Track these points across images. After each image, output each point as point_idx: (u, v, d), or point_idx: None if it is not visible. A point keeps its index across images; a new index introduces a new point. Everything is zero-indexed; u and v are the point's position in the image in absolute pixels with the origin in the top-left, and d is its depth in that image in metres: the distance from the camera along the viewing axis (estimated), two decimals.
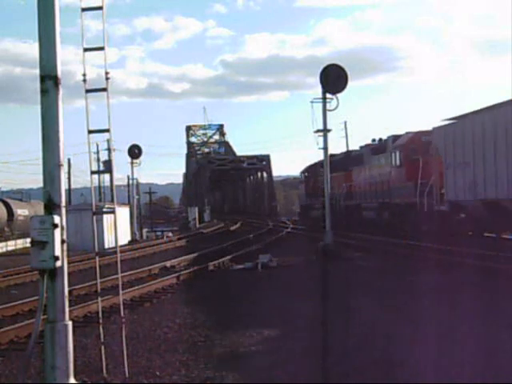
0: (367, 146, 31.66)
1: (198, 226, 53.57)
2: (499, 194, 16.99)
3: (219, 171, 72.59)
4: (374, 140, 31.18)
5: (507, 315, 8.83)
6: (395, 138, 27.11)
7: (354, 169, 32.01)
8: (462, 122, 19.62)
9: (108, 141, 31.05)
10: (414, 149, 24.28)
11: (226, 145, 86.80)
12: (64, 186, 5.07)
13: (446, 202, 20.44)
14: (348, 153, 35.35)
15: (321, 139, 21.16)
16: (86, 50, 5.90)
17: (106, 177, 58.65)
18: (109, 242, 29.40)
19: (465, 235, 19.33)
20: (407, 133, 26.16)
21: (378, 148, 29.11)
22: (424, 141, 23.46)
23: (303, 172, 43.74)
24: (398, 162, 25.52)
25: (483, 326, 8.30)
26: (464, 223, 19.91)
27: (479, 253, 15.37)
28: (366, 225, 29.10)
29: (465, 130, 19.06)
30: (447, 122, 20.90)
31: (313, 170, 40.01)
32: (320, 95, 20.53)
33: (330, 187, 25.15)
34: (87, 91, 6.03)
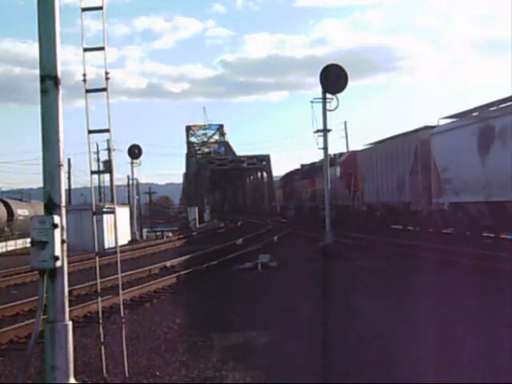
0: (333, 157, 36.60)
1: (198, 226, 53.58)
2: (389, 198, 26.77)
3: (219, 171, 72.63)
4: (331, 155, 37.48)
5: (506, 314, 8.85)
6: (340, 155, 35.86)
7: (315, 177, 38.63)
8: (370, 148, 30.42)
9: (108, 141, 31.08)
10: (350, 165, 32.38)
11: (226, 145, 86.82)
12: (64, 186, 5.07)
13: (365, 204, 30.24)
14: (313, 164, 40.89)
15: (321, 139, 21.18)
16: (85, 50, 5.89)
17: (106, 177, 58.76)
18: (109, 242, 29.41)
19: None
20: (347, 152, 34.85)
21: (331, 162, 32.90)
22: (358, 159, 31.33)
23: (282, 179, 51.63)
24: (339, 174, 33.73)
25: (482, 325, 8.31)
26: (378, 219, 28.67)
27: (477, 253, 15.64)
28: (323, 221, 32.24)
29: (371, 154, 29.37)
30: (367, 147, 31.09)
31: (289, 178, 48.56)
32: (320, 95, 20.56)
33: (300, 191, 38.85)
34: (87, 91, 6.02)
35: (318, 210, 34.99)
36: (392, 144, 26.67)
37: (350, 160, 32.83)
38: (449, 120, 22.48)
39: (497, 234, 20.52)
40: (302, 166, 46.14)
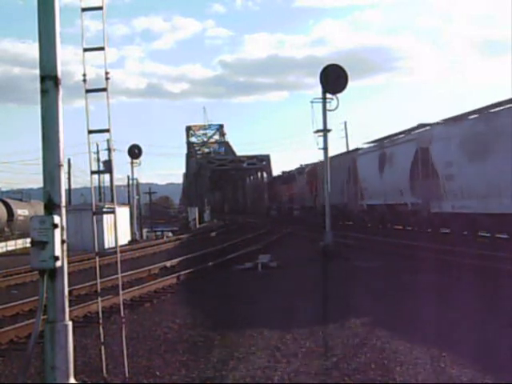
0: (298, 169, 47.91)
1: (198, 226, 53.58)
2: (336, 201, 31.64)
3: (219, 171, 72.59)
4: (301, 165, 47.14)
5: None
6: (306, 166, 44.57)
7: (292, 183, 48.39)
8: (336, 157, 34.29)
9: (108, 141, 31.07)
10: (313, 174, 40.18)
11: (226, 145, 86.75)
12: (64, 186, 5.07)
13: (321, 204, 33.06)
14: (290, 172, 51.31)
15: (321, 139, 21.18)
16: (85, 50, 5.89)
17: (106, 177, 58.60)
18: (109, 242, 29.41)
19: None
20: (312, 163, 40.80)
21: (301, 172, 45.50)
22: (318, 169, 35.75)
23: (267, 183, 62.01)
24: (305, 182, 43.27)
25: (482, 324, 8.32)
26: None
27: (476, 253, 15.73)
28: (296, 220, 43.74)
29: (340, 163, 33.79)
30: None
31: (272, 182, 59.05)
32: (320, 95, 20.56)
33: (280, 195, 51.31)
34: (87, 91, 6.02)
35: (293, 211, 46.62)
36: (337, 160, 33.04)
37: (313, 170, 40.57)
38: (369, 145, 31.68)
39: (392, 225, 28.85)
40: (283, 172, 55.37)
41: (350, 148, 49.21)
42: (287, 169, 53.57)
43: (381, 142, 29.26)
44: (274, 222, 44.15)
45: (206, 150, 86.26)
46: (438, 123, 23.38)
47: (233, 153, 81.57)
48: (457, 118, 22.00)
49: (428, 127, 23.82)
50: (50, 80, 4.91)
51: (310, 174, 42.04)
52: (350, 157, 34.02)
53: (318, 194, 38.23)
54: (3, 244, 37.81)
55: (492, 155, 18.36)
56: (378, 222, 29.93)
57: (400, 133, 27.29)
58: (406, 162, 24.93)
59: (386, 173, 27.13)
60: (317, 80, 20.13)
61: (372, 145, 30.94)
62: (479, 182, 19.03)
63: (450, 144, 21.14)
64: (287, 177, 51.56)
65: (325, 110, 20.49)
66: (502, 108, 18.81)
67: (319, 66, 20.49)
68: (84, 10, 5.89)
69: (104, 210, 20.48)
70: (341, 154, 36.96)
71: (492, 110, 19.42)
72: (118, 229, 7.41)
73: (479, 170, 18.98)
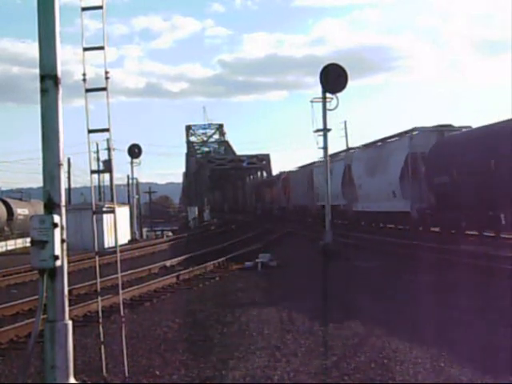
0: (277, 175, 57.52)
1: (197, 225, 53.55)
2: (302, 202, 42.30)
3: (219, 171, 72.44)
4: (280, 172, 56.57)
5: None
6: (282, 173, 53.82)
7: (273, 187, 55.93)
8: (293, 172, 48.90)
9: (108, 140, 31.05)
10: (286, 181, 49.60)
11: (226, 144, 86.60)
12: (64, 185, 5.06)
13: (292, 205, 46.92)
14: (271, 177, 61.66)
15: (321, 139, 21.18)
16: (85, 49, 5.88)
17: (106, 176, 58.57)
18: (109, 242, 29.39)
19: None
20: (286, 172, 52.04)
21: (279, 178, 54.44)
22: (290, 177, 48.81)
23: (254, 186, 69.19)
24: (280, 187, 51.77)
25: (482, 324, 8.33)
26: (296, 214, 44.53)
27: (475, 252, 15.83)
28: (275, 217, 51.60)
29: (293, 175, 47.17)
30: (295, 169, 50.02)
31: (258, 185, 66.64)
32: (319, 94, 20.55)
33: (264, 196, 59.78)
34: (87, 90, 6.01)
35: (273, 210, 55.11)
36: (301, 171, 45.98)
37: (286, 177, 50.29)
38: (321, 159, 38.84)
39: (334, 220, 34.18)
40: (268, 177, 64.62)
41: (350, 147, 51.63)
42: (287, 169, 55.21)
43: (388, 143, 31.75)
44: (260, 219, 52.66)
45: (206, 150, 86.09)
46: (358, 147, 34.31)
47: (233, 152, 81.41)
48: (367, 145, 31.91)
49: (352, 150, 34.76)
50: (49, 79, 4.90)
51: (284, 180, 50.70)
52: (309, 169, 42.24)
53: (289, 196, 47.45)
54: (3, 243, 37.80)
55: (378, 173, 28.00)
56: (361, 219, 34.42)
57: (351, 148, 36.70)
58: (339, 174, 33.46)
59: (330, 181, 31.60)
60: (316, 79, 20.16)
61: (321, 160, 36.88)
62: (373, 191, 28.52)
63: (360, 163, 31.02)
64: (269, 181, 60.29)
65: (325, 110, 20.48)
66: (386, 141, 29.06)
67: (319, 66, 20.54)
68: (84, 9, 5.89)
69: (104, 209, 20.45)
70: (303, 166, 46.58)
71: (381, 143, 29.64)
72: (117, 228, 7.41)
73: (373, 182, 28.55)
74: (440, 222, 22.45)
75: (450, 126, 24.70)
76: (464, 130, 23.53)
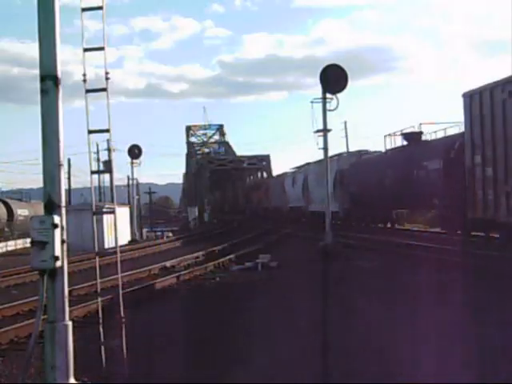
0: (262, 179, 66.56)
1: (198, 225, 53.55)
2: (277, 204, 50.27)
3: (219, 171, 72.46)
4: (263, 177, 67.03)
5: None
6: (264, 178, 65.30)
7: (259, 190, 60.98)
8: (274, 177, 59.60)
9: (108, 141, 31.02)
10: (267, 185, 57.47)
11: (226, 145, 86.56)
12: (64, 186, 5.06)
13: (272, 206, 53.26)
14: (257, 181, 69.34)
15: (321, 139, 21.20)
16: (86, 50, 5.88)
17: (106, 177, 58.52)
18: (109, 242, 29.38)
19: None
20: (266, 179, 63.41)
21: (264, 182, 62.70)
22: (269, 182, 58.00)
23: (244, 189, 75.54)
24: (264, 190, 57.68)
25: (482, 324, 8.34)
26: (271, 213, 52.67)
27: (473, 252, 15.87)
28: (260, 217, 57.18)
29: (274, 180, 56.46)
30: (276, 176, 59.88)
31: (247, 188, 72.50)
32: (320, 95, 20.56)
33: (251, 198, 65.74)
34: (87, 91, 6.01)
35: (258, 210, 60.62)
36: (274, 179, 57.49)
37: (268, 182, 59.65)
38: (292, 170, 49.79)
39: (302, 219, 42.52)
40: (255, 181, 71.43)
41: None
42: (287, 169, 56.48)
43: (294, 170, 47.57)
44: (249, 218, 60.01)
45: (206, 150, 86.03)
46: (313, 162, 37.70)
47: (233, 153, 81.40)
48: (318, 161, 33.34)
49: (309, 165, 40.95)
50: (49, 80, 4.89)
51: (265, 184, 59.70)
52: (282, 177, 51.72)
53: (269, 199, 54.98)
54: (3, 244, 37.78)
55: (321, 183, 29.25)
56: (294, 216, 43.70)
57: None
58: (300, 183, 41.56)
59: (295, 188, 43.75)
60: (316, 80, 20.20)
61: (292, 171, 49.47)
62: (318, 196, 33.34)
63: (312, 175, 37.26)
64: (256, 185, 67.05)
65: (325, 110, 20.49)
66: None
67: (318, 66, 20.62)
68: (84, 9, 5.88)
69: (104, 210, 20.43)
70: (278, 176, 57.55)
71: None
72: (117, 229, 7.41)
73: (319, 189, 32.38)
74: (354, 219, 32.35)
75: (366, 150, 34.31)
76: (376, 153, 31.92)
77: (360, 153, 33.99)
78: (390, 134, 28.24)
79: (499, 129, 16.17)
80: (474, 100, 17.47)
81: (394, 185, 25.55)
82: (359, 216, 31.40)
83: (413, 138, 25.60)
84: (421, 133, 25.65)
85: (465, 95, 18.11)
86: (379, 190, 27.04)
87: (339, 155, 35.25)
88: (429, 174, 22.23)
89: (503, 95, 15.96)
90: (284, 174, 52.08)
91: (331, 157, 32.99)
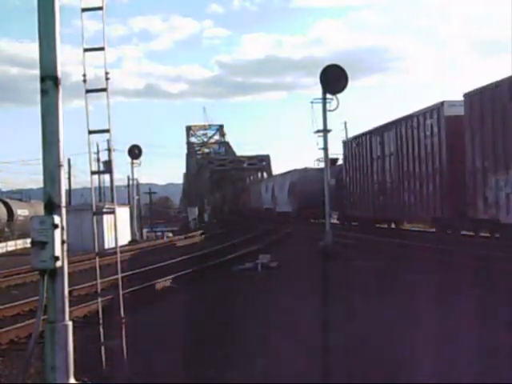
0: (249, 182, 73.11)
1: (198, 226, 53.56)
2: (255, 205, 59.45)
3: (219, 171, 72.53)
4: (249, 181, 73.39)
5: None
6: (251, 182, 72.03)
7: (246, 192, 67.54)
8: (256, 182, 68.01)
9: (108, 141, 31.00)
10: (249, 189, 66.14)
11: (226, 145, 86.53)
12: (64, 186, 5.06)
13: (253, 207, 60.72)
14: (247, 184, 74.19)
15: (321, 139, 21.20)
16: (86, 50, 5.88)
17: (106, 177, 58.68)
18: (109, 243, 29.37)
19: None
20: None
21: (249, 185, 69.73)
22: (252, 186, 66.84)
23: (236, 190, 78.36)
24: (249, 192, 64.92)
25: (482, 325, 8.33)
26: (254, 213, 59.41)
27: (471, 252, 15.90)
28: (246, 217, 62.20)
29: (255, 186, 64.80)
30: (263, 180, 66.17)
31: (236, 191, 76.58)
32: (319, 95, 20.60)
33: (243, 200, 70.83)
34: (87, 91, 6.01)
35: (245, 211, 65.51)
36: (257, 184, 63.76)
37: (250, 185, 67.98)
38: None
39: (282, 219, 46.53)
40: (242, 185, 75.74)
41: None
42: (287, 169, 56.49)
43: (285, 174, 50.11)
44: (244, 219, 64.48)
45: (206, 151, 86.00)
46: (279, 174, 50.61)
47: (233, 153, 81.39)
48: (283, 173, 48.46)
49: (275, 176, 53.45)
50: (49, 80, 4.89)
51: (249, 188, 67.30)
52: (259, 184, 60.44)
53: (251, 200, 61.86)
54: (3, 244, 37.78)
55: (282, 190, 44.95)
56: (268, 216, 51.19)
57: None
58: (270, 190, 50.87)
59: (267, 193, 52.64)
60: (315, 80, 20.27)
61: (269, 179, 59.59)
62: (281, 200, 45.83)
63: (276, 185, 48.38)
64: (244, 187, 73.25)
65: (325, 111, 20.49)
66: (284, 173, 48.60)
67: (317, 66, 20.91)
68: (84, 10, 5.88)
69: (104, 210, 20.42)
70: (256, 182, 66.38)
71: (284, 173, 48.79)
72: (118, 229, 7.41)
73: (281, 196, 45.67)
74: (302, 217, 40.43)
75: (309, 168, 42.24)
76: (318, 169, 37.26)
77: (306, 169, 42.72)
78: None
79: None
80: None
81: (318, 193, 30.55)
82: (306, 215, 40.42)
83: (332, 161, 31.85)
84: (337, 159, 37.53)
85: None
86: (315, 196, 33.24)
87: (292, 171, 44.97)
88: (330, 188, 26.39)
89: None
90: (261, 181, 63.96)
91: (286, 173, 47.77)
